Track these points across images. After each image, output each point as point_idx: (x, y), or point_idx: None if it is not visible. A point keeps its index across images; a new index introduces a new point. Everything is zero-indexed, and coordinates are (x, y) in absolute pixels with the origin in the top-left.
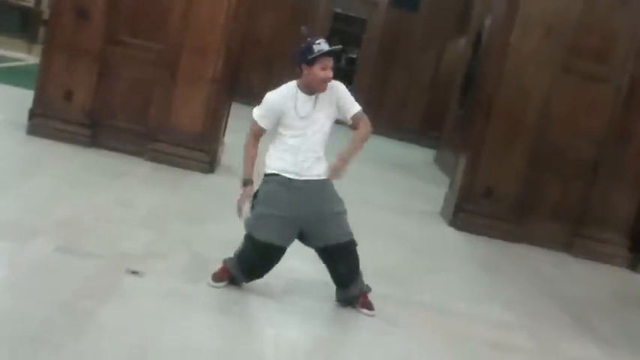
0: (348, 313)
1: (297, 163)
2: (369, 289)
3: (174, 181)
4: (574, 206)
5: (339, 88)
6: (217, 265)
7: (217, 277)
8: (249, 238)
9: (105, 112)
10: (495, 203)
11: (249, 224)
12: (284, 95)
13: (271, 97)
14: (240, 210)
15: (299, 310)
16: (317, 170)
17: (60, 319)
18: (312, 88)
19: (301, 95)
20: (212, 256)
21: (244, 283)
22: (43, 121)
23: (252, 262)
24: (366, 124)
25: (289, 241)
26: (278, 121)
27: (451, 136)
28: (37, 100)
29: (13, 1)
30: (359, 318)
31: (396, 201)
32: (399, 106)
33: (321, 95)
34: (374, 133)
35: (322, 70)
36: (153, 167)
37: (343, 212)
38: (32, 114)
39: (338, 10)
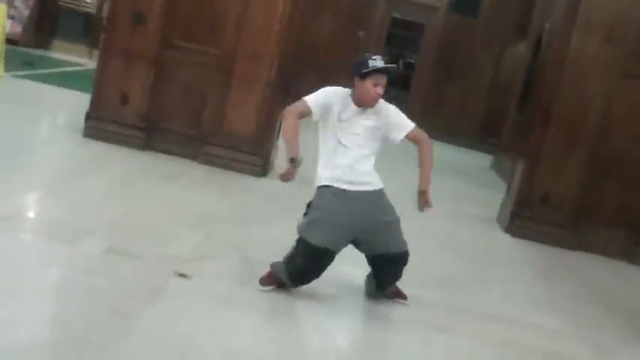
0: (396, 319)
1: (347, 173)
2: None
3: (227, 184)
4: (635, 213)
5: (389, 108)
6: (265, 269)
7: (265, 281)
8: (301, 242)
9: (159, 116)
10: (553, 209)
11: (302, 228)
12: (339, 93)
13: (332, 88)
14: (287, 175)
15: (347, 315)
16: (369, 179)
17: (105, 321)
18: (361, 102)
19: (351, 104)
20: (261, 260)
21: (292, 288)
22: (99, 124)
23: (301, 266)
24: (427, 142)
25: (341, 247)
26: (327, 115)
27: (509, 142)
28: (94, 104)
29: (75, 7)
30: (407, 324)
31: (450, 206)
32: (456, 111)
33: (370, 111)
34: (431, 138)
35: (374, 85)
36: (206, 170)
37: (396, 221)
38: (88, 117)
39: (396, 14)
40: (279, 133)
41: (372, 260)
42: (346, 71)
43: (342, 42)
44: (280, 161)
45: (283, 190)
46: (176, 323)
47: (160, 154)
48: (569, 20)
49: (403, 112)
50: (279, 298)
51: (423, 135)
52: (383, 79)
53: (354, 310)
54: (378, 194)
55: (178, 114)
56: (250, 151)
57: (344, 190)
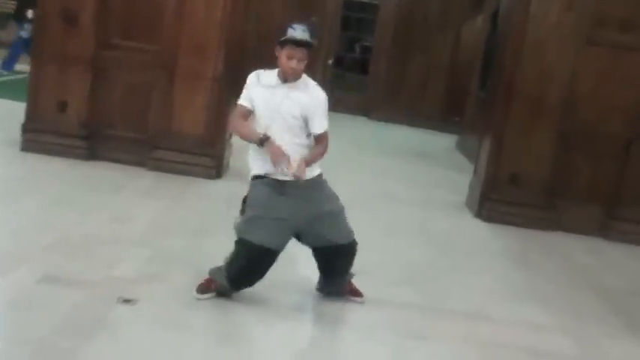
0: (365, 326)
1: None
2: (351, 276)
3: (178, 191)
4: (607, 187)
5: (318, 96)
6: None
7: (202, 288)
8: (241, 243)
9: (102, 122)
10: (523, 189)
11: (240, 229)
12: (260, 76)
13: (250, 75)
14: (286, 159)
15: (308, 331)
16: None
17: None
18: (283, 74)
19: (278, 82)
20: None
21: (232, 294)
22: (37, 135)
23: (243, 269)
24: (326, 145)
25: (283, 245)
26: (251, 103)
27: (473, 120)
28: (30, 114)
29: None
30: (378, 331)
31: (417, 193)
32: (417, 92)
33: (296, 89)
34: (393, 121)
35: (288, 58)
36: (155, 177)
37: (340, 210)
38: (25, 129)
39: None
40: (230, 135)
41: (319, 253)
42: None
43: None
44: (235, 160)
45: (241, 191)
46: (118, 357)
47: (105, 163)
48: None
49: (364, 98)
50: (234, 317)
51: (327, 142)
52: (298, 52)
53: (316, 326)
54: (317, 182)
55: (122, 118)
56: (202, 153)
57: (278, 180)
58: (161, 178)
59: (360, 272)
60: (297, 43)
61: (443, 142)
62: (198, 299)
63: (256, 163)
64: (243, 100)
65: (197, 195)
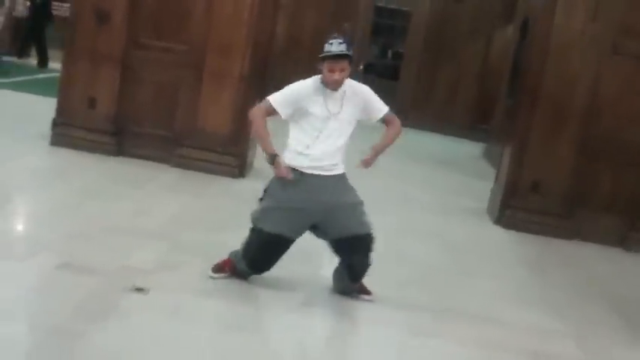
0: (375, 321)
1: (315, 160)
2: None
3: (200, 188)
4: (629, 197)
5: (364, 91)
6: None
7: (218, 268)
8: (255, 231)
9: (130, 119)
10: (544, 198)
11: (255, 217)
12: (311, 87)
13: (298, 86)
14: (288, 178)
15: (317, 326)
16: (335, 161)
17: (49, 343)
18: (326, 84)
19: (327, 91)
20: None
21: (249, 277)
22: (67, 130)
23: (258, 254)
24: (397, 124)
25: (298, 233)
26: (298, 112)
27: (500, 129)
28: (60, 110)
29: (55, 12)
30: (388, 327)
31: (439, 199)
32: (447, 99)
33: (348, 96)
34: (422, 128)
35: (328, 71)
36: (179, 174)
37: (359, 203)
38: (55, 123)
39: (380, 3)
40: None
41: (336, 246)
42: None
43: (327, 33)
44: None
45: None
46: (126, 344)
47: (131, 159)
48: None
49: (393, 104)
50: (244, 308)
51: (397, 120)
52: (338, 65)
53: (325, 321)
54: (339, 178)
55: (150, 116)
56: (226, 152)
57: (302, 173)
58: (185, 174)
59: (372, 271)
60: (335, 57)
61: (470, 150)
62: (212, 278)
63: (292, 156)
64: (279, 105)
65: (219, 192)
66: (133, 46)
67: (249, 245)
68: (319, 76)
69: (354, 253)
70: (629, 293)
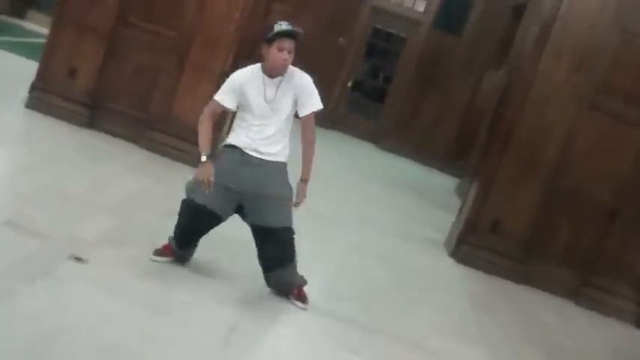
0: (301, 327)
1: (257, 141)
2: (304, 282)
3: (163, 173)
4: (586, 253)
5: (302, 77)
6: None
7: (159, 252)
8: (185, 202)
9: (107, 95)
10: (501, 239)
11: (188, 187)
12: (248, 74)
13: (235, 74)
14: (207, 184)
15: (244, 324)
16: (274, 150)
17: None
18: (271, 70)
19: (266, 79)
20: None
21: (186, 261)
22: (43, 95)
23: (183, 226)
24: (313, 131)
25: (225, 211)
26: (240, 100)
27: (474, 166)
28: (40, 74)
29: None
30: (315, 340)
31: (400, 224)
32: (429, 130)
33: (285, 81)
34: (400, 154)
35: (279, 50)
36: (146, 156)
37: (285, 198)
38: (33, 87)
39: (378, 25)
40: (230, 129)
41: (254, 232)
42: (323, 74)
43: (321, 46)
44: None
45: None
46: (52, 308)
47: (102, 134)
48: (539, 44)
49: (375, 126)
50: (179, 295)
51: (313, 130)
52: (288, 43)
53: (255, 313)
54: (277, 166)
55: (127, 94)
56: (195, 142)
57: (242, 152)
58: (151, 158)
59: (314, 280)
60: (287, 34)
61: (444, 182)
62: (153, 260)
63: (232, 135)
64: (222, 99)
65: (180, 180)
66: (122, 24)
67: (179, 218)
68: (259, 64)
69: (265, 243)
70: (570, 344)
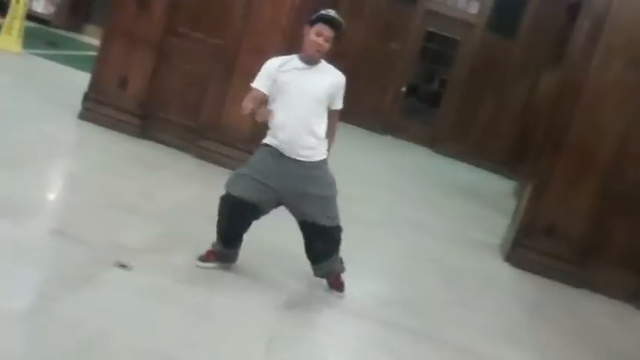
0: (348, 337)
1: (291, 140)
2: (342, 269)
3: (213, 180)
4: None
5: (341, 79)
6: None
7: (202, 257)
8: (223, 197)
9: (158, 104)
10: (557, 241)
11: (227, 182)
12: (284, 60)
13: (271, 60)
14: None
15: (289, 328)
16: (311, 146)
17: (20, 305)
18: (305, 55)
19: (301, 65)
20: None
21: (234, 262)
22: (95, 106)
23: (225, 221)
24: (335, 125)
25: (264, 204)
26: (276, 86)
27: (530, 168)
28: (92, 85)
29: None
30: (360, 343)
31: (454, 228)
32: (486, 133)
33: (321, 72)
34: (457, 158)
35: (316, 35)
36: (197, 164)
37: (331, 197)
38: (86, 98)
39: (431, 29)
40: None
41: (301, 227)
42: (377, 79)
43: (374, 51)
44: None
45: None
46: (93, 315)
47: (153, 143)
48: (591, 43)
49: (431, 130)
50: (222, 300)
51: (336, 122)
52: (327, 31)
53: (300, 319)
54: (316, 166)
55: (177, 104)
56: (245, 149)
57: (281, 153)
58: (202, 165)
59: (362, 285)
60: (328, 20)
61: (502, 186)
62: (197, 267)
63: (268, 134)
64: (260, 85)
65: None
66: (171, 34)
67: (219, 215)
68: (297, 54)
69: (315, 239)
70: (628, 349)
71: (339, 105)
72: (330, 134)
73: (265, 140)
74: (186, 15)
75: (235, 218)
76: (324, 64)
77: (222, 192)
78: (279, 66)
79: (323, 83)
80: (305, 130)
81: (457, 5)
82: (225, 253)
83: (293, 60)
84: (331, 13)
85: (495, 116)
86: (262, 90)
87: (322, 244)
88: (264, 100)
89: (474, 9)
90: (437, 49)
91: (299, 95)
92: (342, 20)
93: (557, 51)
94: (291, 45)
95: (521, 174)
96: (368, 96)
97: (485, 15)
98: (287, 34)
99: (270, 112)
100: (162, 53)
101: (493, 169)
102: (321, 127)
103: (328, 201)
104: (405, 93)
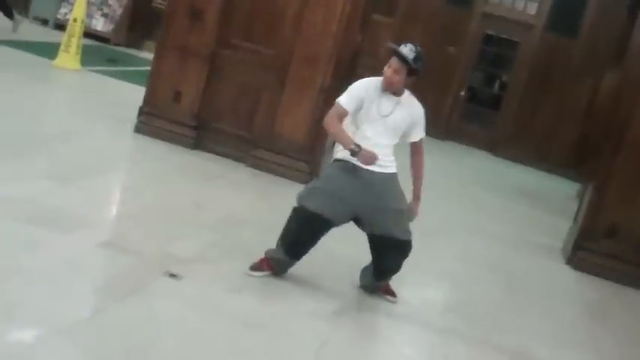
0: (401, 344)
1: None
2: (390, 278)
3: (267, 189)
4: None
5: (420, 109)
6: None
7: (255, 265)
8: (297, 210)
9: (211, 115)
10: (619, 244)
11: (300, 195)
12: (372, 84)
13: (361, 81)
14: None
15: (340, 337)
16: (384, 162)
17: (68, 312)
18: (383, 84)
19: (383, 93)
20: None
21: (286, 272)
22: (151, 119)
23: (296, 235)
24: (423, 152)
25: (339, 219)
26: (359, 107)
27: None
28: (147, 99)
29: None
30: (415, 349)
31: (515, 232)
32: (548, 135)
33: (403, 102)
34: (519, 161)
35: (388, 67)
36: (251, 173)
37: (401, 211)
38: (141, 112)
39: (490, 31)
40: (334, 142)
41: (373, 241)
42: (435, 84)
43: (432, 56)
44: None
45: None
46: (141, 324)
47: (208, 154)
48: None
49: (492, 133)
50: (271, 308)
51: (423, 151)
52: (395, 63)
53: (354, 331)
54: (389, 178)
55: (230, 115)
56: (299, 158)
57: (354, 165)
58: (256, 175)
59: (419, 291)
60: (396, 53)
61: (565, 188)
62: (249, 275)
63: (341, 150)
64: (346, 103)
65: (285, 196)
66: (222, 46)
67: (288, 225)
68: (379, 77)
69: (387, 253)
70: None
71: (417, 136)
72: (420, 164)
73: (338, 156)
74: (237, 26)
75: (307, 232)
76: (408, 95)
77: (286, 210)
78: (368, 89)
79: (404, 114)
80: (377, 148)
81: (515, 6)
82: (282, 262)
83: (378, 86)
84: (405, 48)
85: (557, 118)
86: (348, 109)
87: (394, 258)
88: (345, 116)
89: (532, 10)
90: (496, 52)
91: (378, 123)
92: (410, 58)
93: (619, 50)
94: (342, 52)
95: (584, 176)
96: (427, 101)
97: (545, 15)
98: (338, 41)
99: (374, 155)
100: (215, 65)
101: (556, 172)
102: (391, 150)
103: (400, 215)
104: (464, 97)
